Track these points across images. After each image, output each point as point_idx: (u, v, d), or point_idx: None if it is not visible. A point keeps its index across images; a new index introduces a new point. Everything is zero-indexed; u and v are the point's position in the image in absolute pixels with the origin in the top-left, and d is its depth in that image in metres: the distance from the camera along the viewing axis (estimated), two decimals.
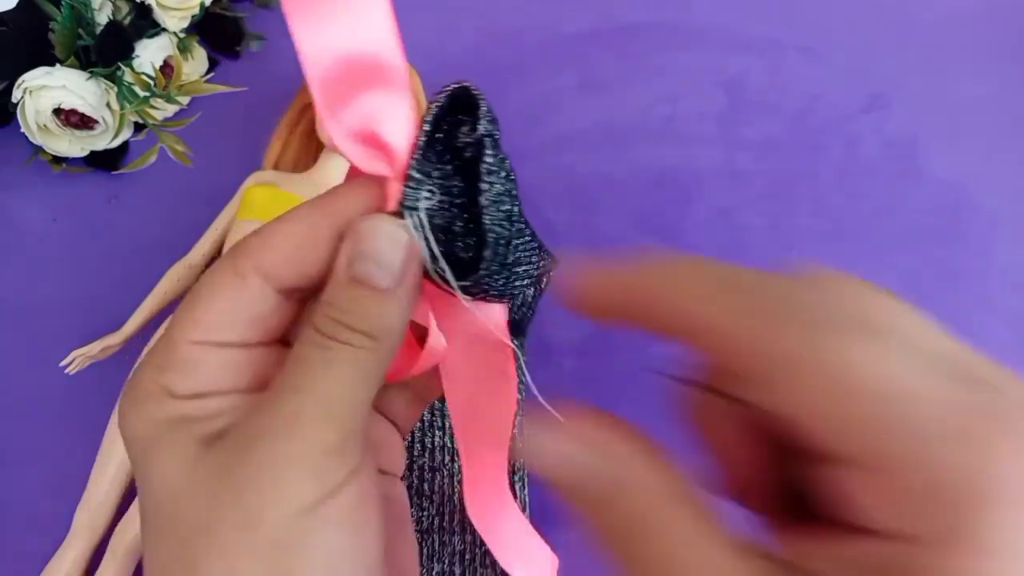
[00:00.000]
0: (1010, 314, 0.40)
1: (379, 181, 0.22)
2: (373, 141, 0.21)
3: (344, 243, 0.21)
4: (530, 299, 0.38)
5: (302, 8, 0.21)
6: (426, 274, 0.22)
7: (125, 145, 0.44)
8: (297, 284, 0.22)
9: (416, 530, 0.35)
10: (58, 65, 0.41)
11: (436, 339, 0.23)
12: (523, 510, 0.35)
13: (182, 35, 0.45)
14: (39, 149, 0.43)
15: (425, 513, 0.35)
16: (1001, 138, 0.44)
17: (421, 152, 0.21)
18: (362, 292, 0.21)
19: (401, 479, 0.28)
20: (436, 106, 0.22)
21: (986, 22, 0.47)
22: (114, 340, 0.39)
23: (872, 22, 0.48)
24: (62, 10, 0.40)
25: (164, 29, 0.44)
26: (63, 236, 0.43)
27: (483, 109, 0.22)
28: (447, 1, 0.48)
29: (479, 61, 0.47)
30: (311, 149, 0.43)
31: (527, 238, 0.25)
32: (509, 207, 0.22)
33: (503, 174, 0.22)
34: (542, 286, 0.37)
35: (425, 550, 0.35)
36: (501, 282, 0.23)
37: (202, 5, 0.44)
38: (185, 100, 0.45)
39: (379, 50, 0.21)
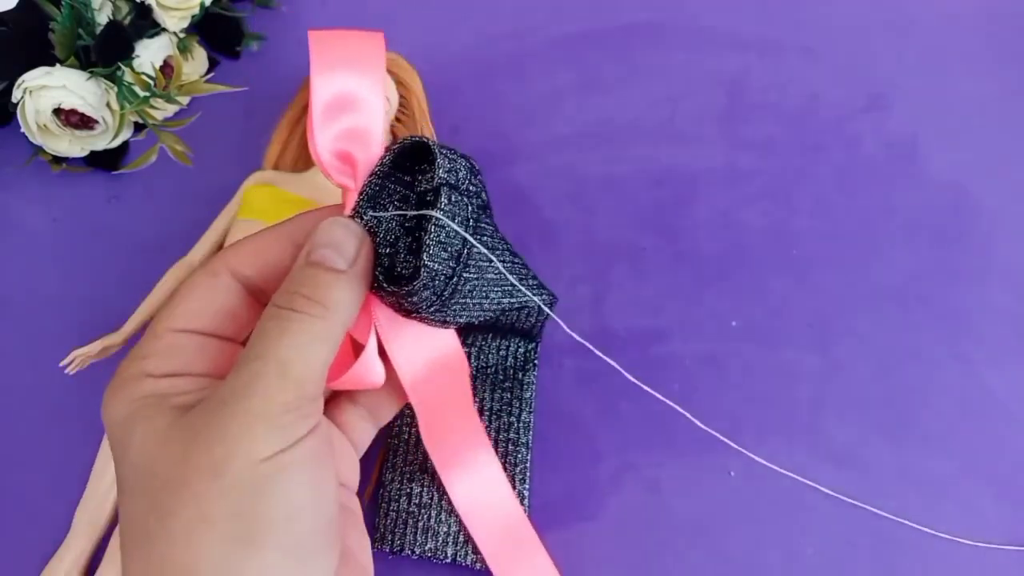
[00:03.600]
0: (1010, 314, 0.40)
1: (336, 208, 0.27)
2: (346, 159, 0.27)
3: (306, 245, 0.25)
4: (536, 320, 0.38)
5: (324, 58, 0.26)
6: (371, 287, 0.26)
7: (125, 145, 0.44)
8: (259, 282, 0.26)
9: (415, 503, 0.35)
10: (58, 65, 0.41)
11: (371, 360, 0.27)
12: (521, 502, 0.35)
13: (182, 35, 0.45)
14: (39, 149, 0.43)
15: (425, 489, 0.35)
16: (1001, 138, 0.44)
17: (379, 174, 0.26)
18: (318, 271, 0.24)
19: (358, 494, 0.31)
20: (399, 145, 0.26)
21: (986, 23, 0.47)
22: (114, 340, 0.39)
23: (872, 22, 0.48)
24: (62, 10, 0.40)
25: (164, 29, 0.44)
26: (63, 236, 0.43)
27: (439, 161, 0.26)
28: (447, 1, 0.48)
29: (479, 61, 0.47)
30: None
31: (484, 280, 0.28)
32: (460, 249, 0.26)
33: (462, 222, 0.26)
34: (544, 316, 0.38)
35: (420, 523, 0.35)
36: (434, 310, 0.26)
37: (202, 5, 0.44)
38: (185, 100, 0.45)
39: (369, 99, 0.27)
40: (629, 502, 0.36)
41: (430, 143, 0.26)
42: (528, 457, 0.36)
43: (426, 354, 0.29)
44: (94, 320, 0.40)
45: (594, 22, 0.47)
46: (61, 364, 0.38)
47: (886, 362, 0.39)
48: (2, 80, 0.42)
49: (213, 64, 0.47)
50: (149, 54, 0.42)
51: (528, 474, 0.36)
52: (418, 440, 0.36)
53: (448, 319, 0.28)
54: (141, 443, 0.22)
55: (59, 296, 0.41)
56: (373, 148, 0.27)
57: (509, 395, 0.37)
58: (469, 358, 0.37)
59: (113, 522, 0.36)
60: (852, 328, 0.40)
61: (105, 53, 0.41)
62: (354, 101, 0.26)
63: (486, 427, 0.36)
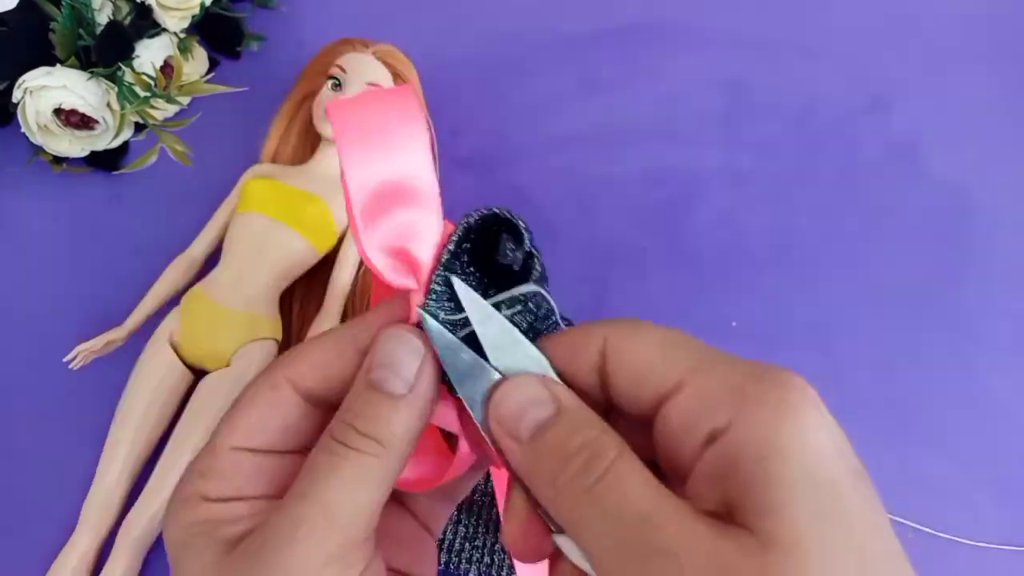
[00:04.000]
0: (1010, 314, 0.40)
1: (405, 299, 0.23)
2: (403, 256, 0.23)
3: (368, 354, 0.22)
4: None
5: (353, 139, 0.22)
6: (450, 389, 0.22)
7: (125, 145, 0.44)
8: (323, 393, 0.23)
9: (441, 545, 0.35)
10: (58, 65, 0.41)
11: (465, 448, 0.24)
12: None
13: (182, 35, 0.45)
14: (40, 149, 0.43)
15: (461, 525, 0.35)
16: (1002, 139, 0.44)
17: (444, 267, 0.22)
18: (375, 396, 0.22)
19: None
20: (463, 226, 0.23)
21: (987, 23, 0.47)
22: (117, 335, 0.39)
23: (872, 22, 0.48)
24: (62, 10, 0.40)
25: (164, 29, 0.44)
26: (63, 236, 0.43)
27: (522, 226, 0.22)
28: (447, 1, 0.48)
29: (479, 61, 0.47)
30: (309, 141, 0.43)
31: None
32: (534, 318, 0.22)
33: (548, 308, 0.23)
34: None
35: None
36: None
37: (202, 5, 0.44)
38: (185, 100, 0.45)
39: (417, 175, 0.22)
40: None
41: (503, 213, 0.22)
42: None
43: None
44: (94, 320, 0.40)
45: (594, 22, 0.47)
46: (65, 359, 0.38)
47: (886, 362, 0.39)
48: (2, 80, 0.42)
49: (213, 64, 0.47)
50: (149, 54, 0.42)
51: None
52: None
53: None
54: None
55: (59, 296, 0.41)
56: (433, 237, 0.22)
57: None
58: None
59: (120, 515, 0.36)
60: (852, 328, 0.40)
61: (105, 53, 0.41)
62: (400, 186, 0.22)
63: None
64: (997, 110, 0.45)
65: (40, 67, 0.41)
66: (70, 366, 0.38)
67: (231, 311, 0.37)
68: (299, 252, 0.39)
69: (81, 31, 0.41)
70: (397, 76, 0.43)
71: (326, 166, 0.41)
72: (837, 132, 0.44)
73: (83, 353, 0.38)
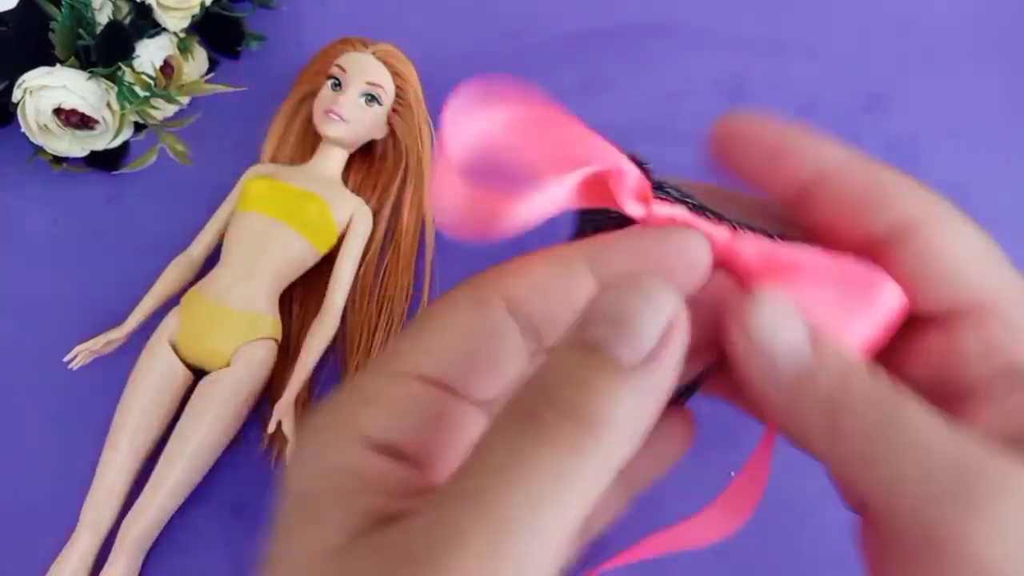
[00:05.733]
0: None
1: (669, 233, 0.18)
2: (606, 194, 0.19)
3: (589, 303, 0.16)
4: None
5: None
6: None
7: (125, 145, 0.44)
8: (545, 326, 0.17)
9: None
10: (58, 65, 0.41)
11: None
12: None
13: (182, 35, 0.45)
14: (39, 149, 0.43)
15: None
16: (1001, 138, 0.44)
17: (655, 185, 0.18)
18: (589, 361, 0.15)
19: None
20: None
21: (986, 22, 0.47)
22: (117, 335, 0.39)
23: (872, 22, 0.48)
24: (62, 10, 0.40)
25: (164, 29, 0.44)
26: (63, 236, 0.43)
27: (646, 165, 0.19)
28: (447, 1, 0.48)
29: (479, 61, 0.47)
30: (308, 141, 0.43)
31: None
32: None
33: None
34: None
35: None
36: None
37: (202, 5, 0.44)
38: (185, 100, 0.45)
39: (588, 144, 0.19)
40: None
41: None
42: None
43: None
44: (94, 320, 0.40)
45: (594, 22, 0.47)
46: (65, 359, 0.39)
47: None
48: (2, 80, 0.42)
49: (213, 64, 0.47)
50: (149, 54, 0.43)
51: None
52: None
53: None
54: (296, 563, 0.15)
55: (59, 296, 0.41)
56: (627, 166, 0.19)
57: None
58: None
59: (121, 514, 0.36)
60: None
61: (105, 53, 0.41)
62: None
63: None
64: (997, 110, 0.45)
65: (40, 67, 0.41)
66: (70, 366, 0.38)
67: (231, 311, 0.37)
68: (299, 252, 0.39)
69: (81, 31, 0.41)
70: (397, 76, 0.43)
71: (326, 166, 0.41)
72: (837, 132, 0.44)
73: (83, 353, 0.38)
